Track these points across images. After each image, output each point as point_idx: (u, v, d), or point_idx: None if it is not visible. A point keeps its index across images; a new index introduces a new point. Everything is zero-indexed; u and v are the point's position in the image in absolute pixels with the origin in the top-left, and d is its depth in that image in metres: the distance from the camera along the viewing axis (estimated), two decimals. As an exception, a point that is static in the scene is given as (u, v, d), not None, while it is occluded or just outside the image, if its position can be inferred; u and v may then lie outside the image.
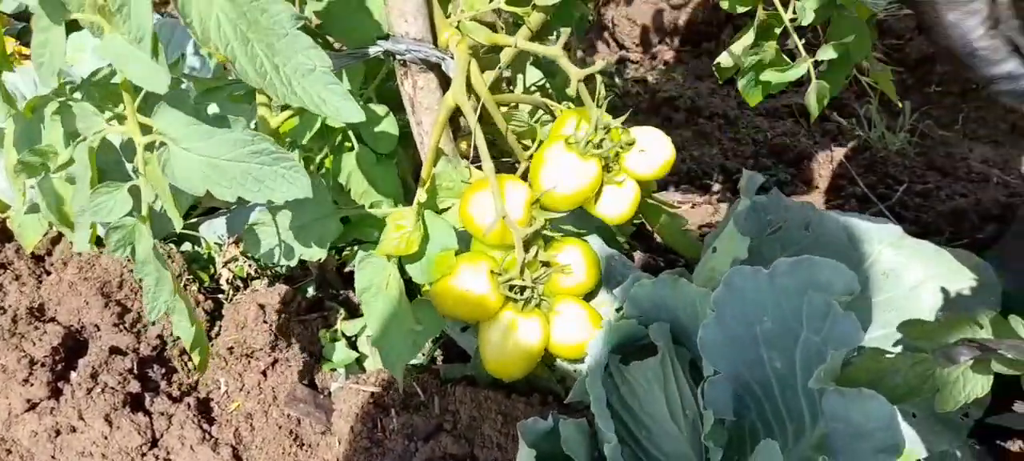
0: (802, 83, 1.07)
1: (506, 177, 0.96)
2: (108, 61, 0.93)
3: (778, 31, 1.07)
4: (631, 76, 2.07)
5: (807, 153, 1.67)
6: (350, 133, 1.03)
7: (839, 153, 1.66)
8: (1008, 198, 1.44)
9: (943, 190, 1.53)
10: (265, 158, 0.78)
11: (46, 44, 0.82)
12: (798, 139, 1.72)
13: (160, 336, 1.22)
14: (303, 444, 1.08)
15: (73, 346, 1.19)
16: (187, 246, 1.38)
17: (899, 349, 0.80)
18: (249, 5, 0.70)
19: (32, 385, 1.10)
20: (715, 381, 0.79)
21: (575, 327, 0.97)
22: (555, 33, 1.14)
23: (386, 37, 0.95)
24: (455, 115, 0.99)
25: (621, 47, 2.21)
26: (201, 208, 1.40)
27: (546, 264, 0.98)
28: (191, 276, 1.31)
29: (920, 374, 0.73)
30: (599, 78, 0.95)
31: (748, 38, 1.08)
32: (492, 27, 0.99)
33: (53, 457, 1.05)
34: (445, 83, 0.98)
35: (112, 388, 1.11)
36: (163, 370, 1.19)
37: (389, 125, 1.03)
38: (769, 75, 1.09)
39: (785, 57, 1.09)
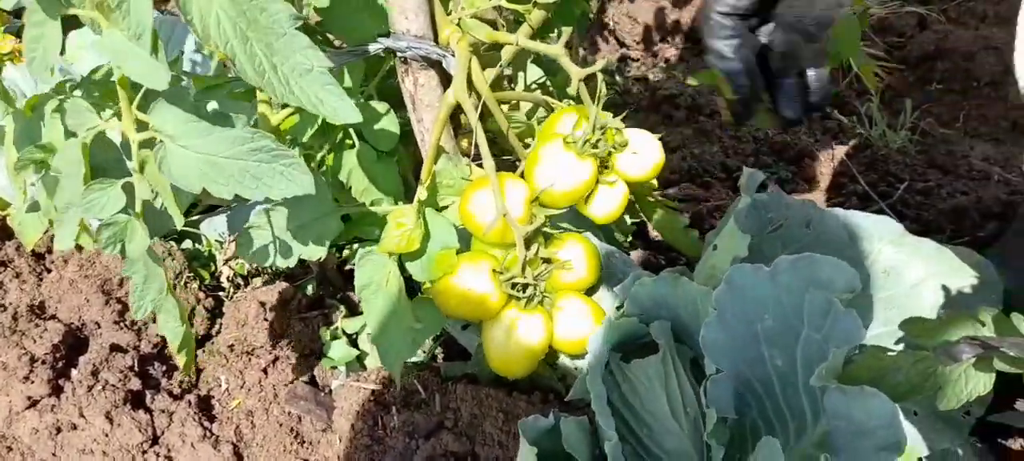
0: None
1: (506, 175, 0.96)
2: (107, 58, 0.92)
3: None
4: (632, 74, 2.06)
5: (808, 151, 1.67)
6: (351, 131, 1.03)
7: (840, 151, 1.66)
8: (1009, 196, 1.44)
9: (944, 188, 1.52)
10: (264, 155, 0.77)
11: (40, 39, 0.82)
12: (799, 137, 1.72)
13: (161, 334, 1.22)
14: (304, 441, 1.08)
15: (74, 344, 1.19)
16: (188, 244, 1.38)
17: (900, 347, 0.80)
18: (248, 4, 0.69)
19: (33, 382, 1.10)
20: (718, 379, 0.79)
21: (578, 322, 0.97)
22: (556, 31, 1.14)
23: (387, 34, 0.95)
24: (456, 113, 0.98)
25: (622, 45, 2.21)
26: (202, 206, 1.40)
27: (547, 261, 0.97)
28: (192, 274, 1.31)
29: (922, 372, 0.73)
30: (600, 77, 0.95)
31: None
32: (493, 24, 0.98)
33: (54, 454, 1.05)
34: (446, 80, 0.98)
35: (113, 385, 1.11)
36: (164, 368, 1.19)
37: (390, 123, 1.03)
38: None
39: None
